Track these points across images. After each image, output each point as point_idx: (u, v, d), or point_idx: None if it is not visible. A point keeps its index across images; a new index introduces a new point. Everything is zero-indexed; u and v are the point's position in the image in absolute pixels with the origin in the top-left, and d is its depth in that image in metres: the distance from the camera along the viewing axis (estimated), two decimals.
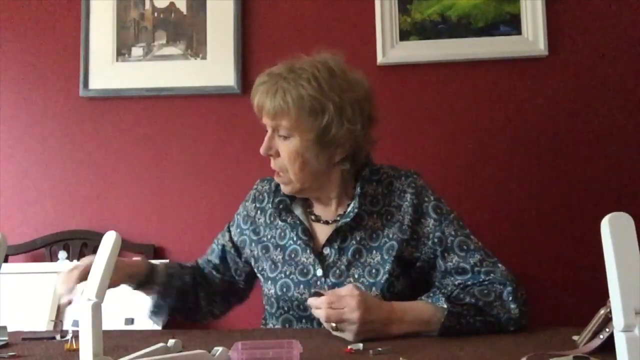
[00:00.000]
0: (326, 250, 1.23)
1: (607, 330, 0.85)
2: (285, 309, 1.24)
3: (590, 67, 1.93)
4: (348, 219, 1.21)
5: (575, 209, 1.89)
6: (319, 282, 1.21)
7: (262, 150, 1.21)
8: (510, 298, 1.10)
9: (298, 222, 1.26)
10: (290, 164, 1.19)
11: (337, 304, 1.02)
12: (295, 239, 1.26)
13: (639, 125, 1.91)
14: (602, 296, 0.75)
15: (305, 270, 1.23)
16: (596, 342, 0.86)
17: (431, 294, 1.11)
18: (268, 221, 1.32)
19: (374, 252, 1.21)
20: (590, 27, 1.94)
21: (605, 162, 1.91)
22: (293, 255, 1.25)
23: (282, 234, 1.29)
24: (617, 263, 0.61)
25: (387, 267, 1.19)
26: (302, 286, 1.22)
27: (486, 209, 1.90)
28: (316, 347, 0.97)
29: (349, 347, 0.95)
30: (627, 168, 1.90)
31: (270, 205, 1.32)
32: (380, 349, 0.93)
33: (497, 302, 1.10)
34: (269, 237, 1.30)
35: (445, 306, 1.05)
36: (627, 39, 1.93)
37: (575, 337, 0.94)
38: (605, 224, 0.62)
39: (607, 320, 0.85)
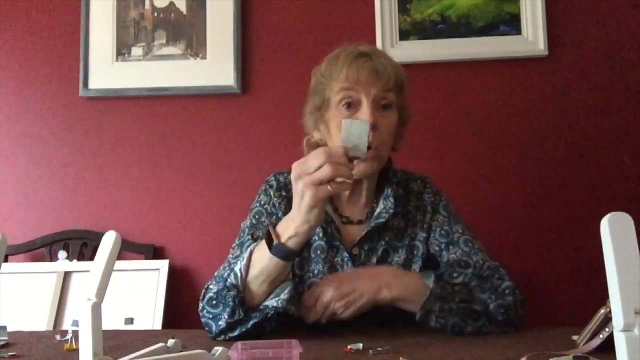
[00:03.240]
0: (356, 251, 1.21)
1: (607, 330, 0.85)
2: None
3: (590, 67, 1.93)
4: (382, 220, 1.20)
5: (575, 209, 1.89)
6: None
7: (373, 120, 1.11)
8: (508, 292, 1.09)
9: (330, 219, 1.21)
10: (389, 136, 1.18)
11: (308, 294, 1.08)
12: (322, 234, 1.20)
13: (639, 125, 1.91)
14: (602, 296, 0.75)
15: (333, 270, 1.20)
16: (596, 342, 0.86)
17: (425, 271, 1.12)
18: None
19: (400, 251, 1.22)
20: (590, 27, 1.94)
21: (605, 161, 1.91)
22: (319, 252, 1.21)
23: None
24: (617, 263, 0.61)
25: (416, 268, 1.20)
26: None
27: (486, 208, 1.90)
28: (316, 347, 0.97)
29: (348, 347, 0.95)
30: (627, 168, 1.90)
31: None
32: (380, 349, 0.92)
33: (491, 288, 1.08)
34: None
35: (431, 286, 1.05)
36: (627, 39, 1.93)
37: (575, 337, 0.94)
38: (605, 224, 0.62)
39: (607, 320, 0.85)
